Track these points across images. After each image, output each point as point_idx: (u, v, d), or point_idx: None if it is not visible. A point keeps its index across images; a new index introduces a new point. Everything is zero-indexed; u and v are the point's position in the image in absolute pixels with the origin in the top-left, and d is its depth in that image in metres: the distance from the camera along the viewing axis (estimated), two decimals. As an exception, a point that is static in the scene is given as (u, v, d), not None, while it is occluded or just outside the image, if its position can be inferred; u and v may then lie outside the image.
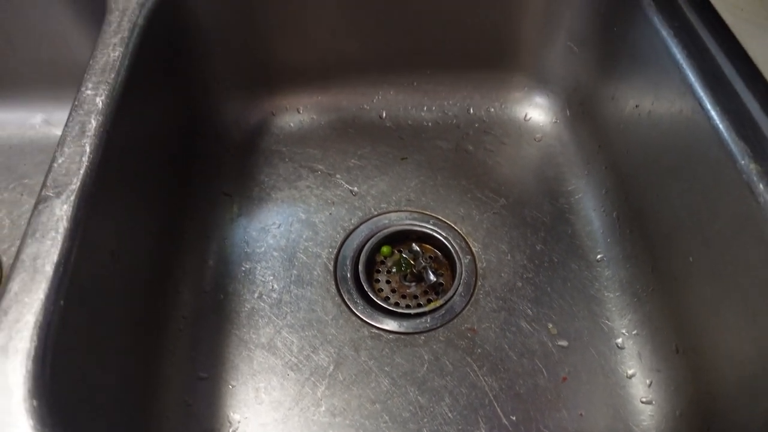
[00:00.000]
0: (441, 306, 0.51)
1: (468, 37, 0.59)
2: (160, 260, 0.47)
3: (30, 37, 0.56)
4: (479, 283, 0.52)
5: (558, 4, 0.54)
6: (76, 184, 0.35)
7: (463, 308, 0.51)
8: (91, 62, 0.42)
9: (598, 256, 0.52)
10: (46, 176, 0.35)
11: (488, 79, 0.63)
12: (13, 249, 0.55)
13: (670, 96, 0.42)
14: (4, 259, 0.54)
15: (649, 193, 0.48)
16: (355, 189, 0.58)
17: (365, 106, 0.64)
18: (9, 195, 0.59)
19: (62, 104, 0.63)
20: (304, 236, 0.55)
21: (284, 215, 0.56)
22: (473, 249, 0.54)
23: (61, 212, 0.33)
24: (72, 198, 0.34)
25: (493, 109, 0.64)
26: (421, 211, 0.57)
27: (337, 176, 0.60)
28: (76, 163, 0.36)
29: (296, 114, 0.64)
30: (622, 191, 0.52)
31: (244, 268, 0.52)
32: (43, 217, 0.33)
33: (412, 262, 0.54)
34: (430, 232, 0.55)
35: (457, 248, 0.54)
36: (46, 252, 0.32)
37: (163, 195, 0.49)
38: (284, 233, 0.55)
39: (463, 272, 0.53)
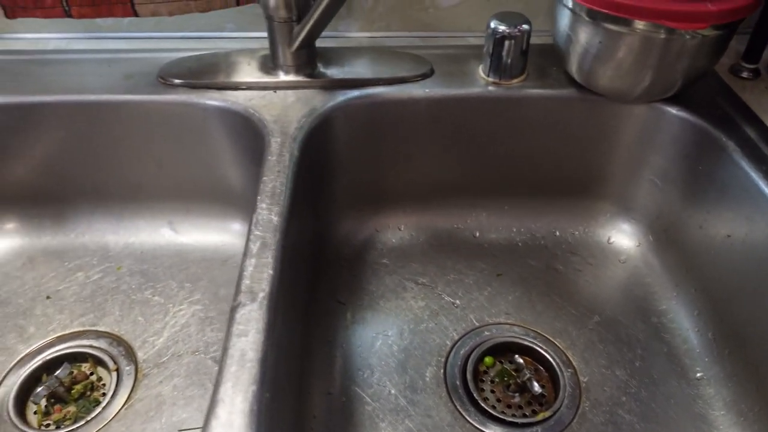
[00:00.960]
0: (550, 417, 0.54)
1: (555, 169, 0.67)
2: (299, 362, 0.52)
3: (177, 160, 0.65)
4: (584, 397, 0.55)
5: (644, 145, 0.61)
6: (265, 290, 0.41)
7: (572, 420, 0.53)
8: (261, 186, 0.49)
9: (698, 375, 0.56)
10: (239, 283, 0.41)
11: (573, 205, 0.70)
12: (147, 344, 0.60)
13: (766, 230, 0.48)
14: (140, 354, 0.59)
15: (746, 317, 0.52)
16: (457, 302, 0.63)
17: (459, 226, 0.71)
18: (141, 296, 0.65)
19: (187, 216, 0.71)
20: (414, 344, 0.59)
21: (394, 324, 0.61)
22: (574, 363, 0.58)
23: (257, 315, 0.39)
24: (264, 302, 0.40)
25: (577, 233, 0.70)
26: (519, 324, 0.61)
27: (438, 289, 0.65)
28: (263, 272, 0.42)
29: (397, 231, 0.70)
30: (715, 314, 0.56)
31: (362, 373, 0.56)
32: (242, 318, 0.39)
33: (513, 373, 0.57)
34: (531, 344, 0.59)
35: (558, 361, 0.58)
36: (251, 349, 0.37)
37: (300, 303, 0.55)
38: (395, 341, 0.59)
39: (567, 385, 0.56)
